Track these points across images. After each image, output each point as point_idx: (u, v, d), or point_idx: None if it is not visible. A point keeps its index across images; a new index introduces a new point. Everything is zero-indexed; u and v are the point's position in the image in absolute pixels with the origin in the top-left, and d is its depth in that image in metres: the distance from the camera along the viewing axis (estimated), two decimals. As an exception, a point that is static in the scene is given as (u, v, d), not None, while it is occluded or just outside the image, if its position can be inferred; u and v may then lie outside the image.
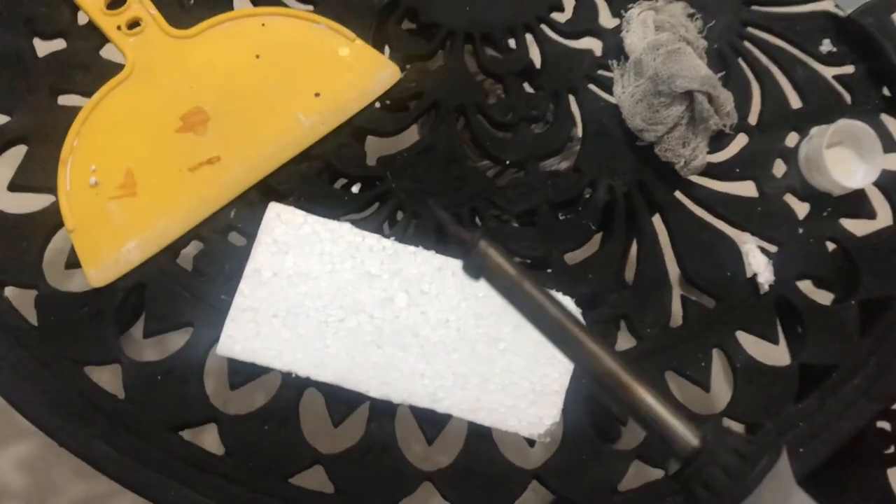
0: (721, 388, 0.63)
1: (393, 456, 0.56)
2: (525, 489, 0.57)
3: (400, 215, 0.61)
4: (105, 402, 0.55)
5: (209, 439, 0.56)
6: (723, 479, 0.41)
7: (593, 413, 0.58)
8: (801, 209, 0.66)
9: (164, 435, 0.54)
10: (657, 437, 0.40)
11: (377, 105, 0.64)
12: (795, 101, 0.69)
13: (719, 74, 0.64)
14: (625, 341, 0.61)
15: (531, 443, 0.58)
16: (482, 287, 0.57)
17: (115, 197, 0.57)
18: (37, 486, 1.17)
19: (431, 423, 0.57)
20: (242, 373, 0.55)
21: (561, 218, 0.63)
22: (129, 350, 0.56)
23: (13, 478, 1.17)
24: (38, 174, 0.58)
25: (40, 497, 1.16)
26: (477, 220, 0.62)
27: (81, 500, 1.17)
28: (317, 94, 0.61)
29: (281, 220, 0.57)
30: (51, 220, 0.57)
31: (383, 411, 0.56)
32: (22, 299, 0.57)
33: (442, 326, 0.57)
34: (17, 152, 0.59)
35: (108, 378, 0.56)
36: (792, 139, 0.67)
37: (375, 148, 0.67)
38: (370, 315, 0.56)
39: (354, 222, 0.58)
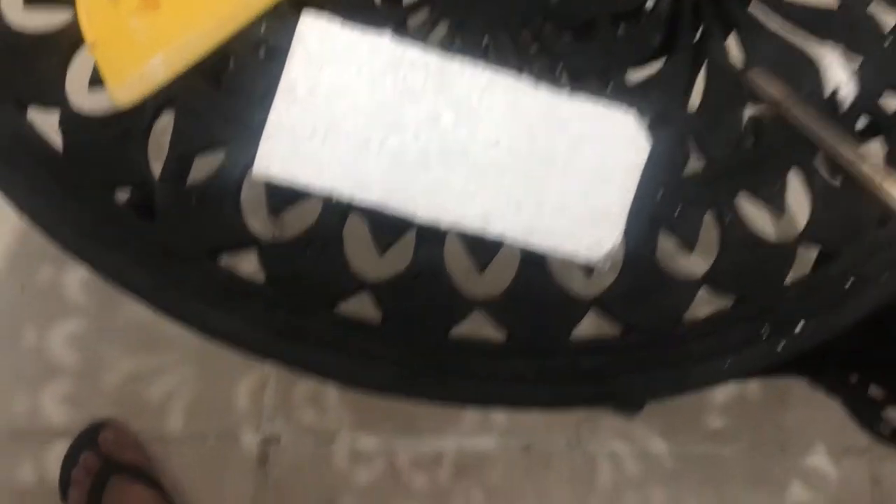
0: (797, 211, 0.58)
1: (442, 283, 0.53)
2: (583, 316, 0.53)
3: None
4: (137, 226, 0.52)
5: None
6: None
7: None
8: (891, 18, 0.59)
9: (201, 260, 0.52)
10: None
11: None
12: None
13: None
14: (694, 161, 0.56)
15: (589, 269, 0.54)
16: (535, 103, 0.53)
17: (138, 10, 0.52)
18: (87, 363, 1.18)
19: (482, 249, 0.53)
20: (281, 196, 0.52)
21: (621, 31, 0.57)
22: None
23: (64, 355, 1.18)
24: (54, -12, 0.54)
25: (92, 373, 1.17)
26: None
27: (132, 374, 1.18)
28: None
29: (315, 31, 0.52)
30: (71, 37, 0.53)
31: (431, 237, 0.53)
32: (45, 122, 0.53)
33: (493, 146, 0.53)
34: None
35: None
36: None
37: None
38: (414, 134, 0.52)
39: (396, 34, 0.53)
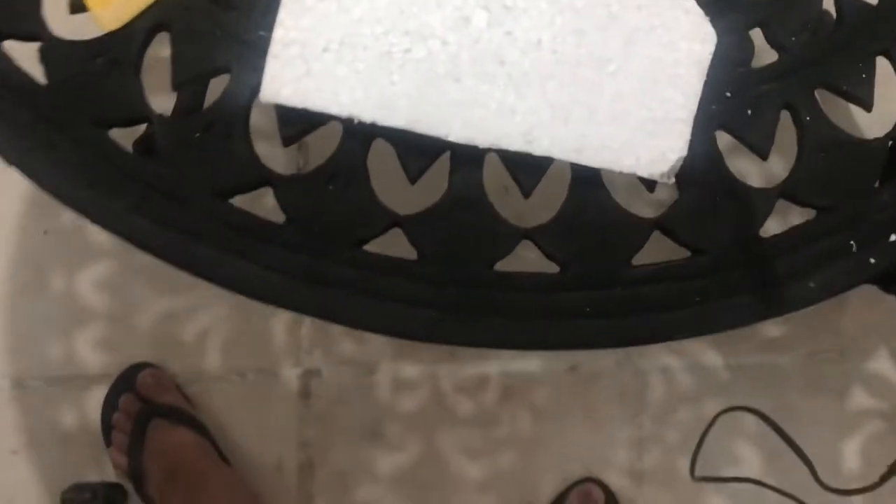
0: (888, 106, 0.51)
1: (483, 211, 0.47)
2: (645, 241, 0.47)
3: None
4: (136, 167, 0.46)
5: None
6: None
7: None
8: None
9: (210, 202, 0.46)
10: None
11: None
12: None
13: None
14: (764, 54, 0.49)
15: (650, 186, 0.47)
16: (581, -5, 0.46)
17: (115, -83, 0.46)
18: (118, 306, 1.15)
19: (527, 169, 0.47)
20: (295, 123, 0.46)
21: None
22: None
23: (94, 299, 1.15)
24: None
25: (124, 315, 1.14)
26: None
27: (165, 314, 1.14)
28: None
29: (321, -73, 0.45)
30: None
31: (468, 160, 0.46)
32: (25, 54, 0.47)
33: (533, 49, 0.45)
34: None
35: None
36: None
37: None
38: (443, 41, 0.45)
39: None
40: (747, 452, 1.10)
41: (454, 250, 0.46)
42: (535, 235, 0.47)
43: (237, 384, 1.12)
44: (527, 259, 0.48)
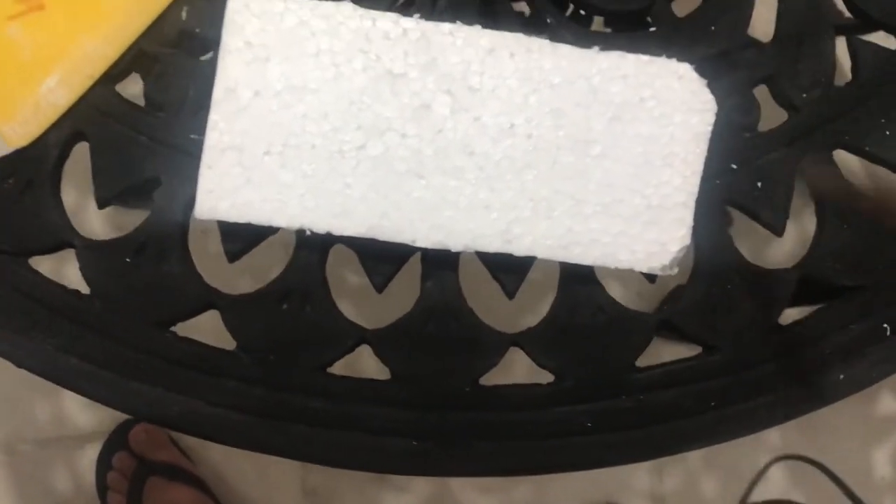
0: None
1: (462, 320, 0.41)
2: (649, 341, 0.41)
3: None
4: (64, 301, 0.40)
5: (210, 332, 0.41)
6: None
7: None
8: None
9: (148, 334, 0.40)
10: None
11: None
12: None
13: None
14: (772, 111, 0.42)
15: (651, 277, 0.41)
16: (556, 67, 0.40)
17: (16, 16, 0.39)
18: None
19: (509, 270, 0.41)
20: (241, 236, 0.40)
21: (660, -51, 0.42)
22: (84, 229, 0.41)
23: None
24: None
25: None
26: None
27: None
28: None
29: (251, 11, 0.39)
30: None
31: (441, 264, 0.41)
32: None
33: (506, 135, 0.39)
34: None
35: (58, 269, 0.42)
36: None
37: None
38: (401, 133, 0.39)
39: (358, 1, 0.39)
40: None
41: (431, 366, 0.41)
42: (523, 341, 0.41)
43: (235, 432, 1.09)
44: (516, 369, 0.42)
